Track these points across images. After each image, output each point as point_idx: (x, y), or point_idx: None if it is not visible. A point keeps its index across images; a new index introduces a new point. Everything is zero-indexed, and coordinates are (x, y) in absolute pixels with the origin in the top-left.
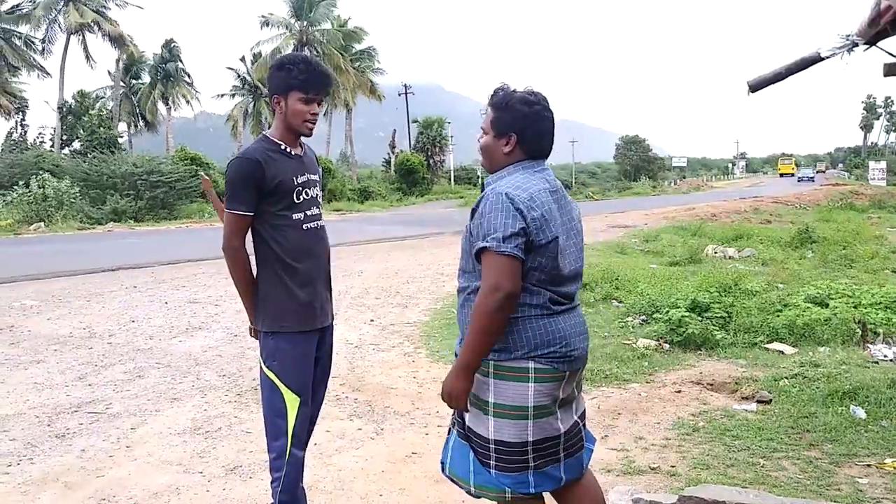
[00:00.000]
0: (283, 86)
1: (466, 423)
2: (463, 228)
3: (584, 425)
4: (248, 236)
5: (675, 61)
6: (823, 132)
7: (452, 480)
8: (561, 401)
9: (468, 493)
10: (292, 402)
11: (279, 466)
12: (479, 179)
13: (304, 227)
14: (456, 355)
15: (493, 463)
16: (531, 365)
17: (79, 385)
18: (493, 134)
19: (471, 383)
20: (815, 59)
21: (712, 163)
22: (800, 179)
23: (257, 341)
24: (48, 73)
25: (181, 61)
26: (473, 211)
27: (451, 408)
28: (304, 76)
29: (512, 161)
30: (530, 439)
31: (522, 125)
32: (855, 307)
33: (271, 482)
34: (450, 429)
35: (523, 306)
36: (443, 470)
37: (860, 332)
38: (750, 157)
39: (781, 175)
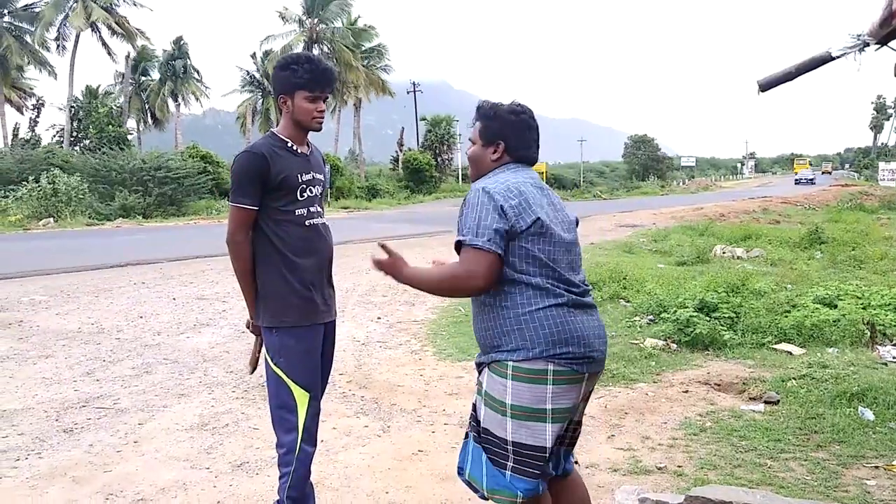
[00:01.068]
0: (289, 85)
1: (482, 423)
2: None
3: (580, 426)
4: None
5: (685, 60)
6: (833, 132)
7: (470, 485)
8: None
9: (481, 496)
10: (302, 397)
11: (288, 462)
12: None
13: (306, 223)
14: (479, 364)
15: (510, 465)
16: (550, 367)
17: (87, 380)
18: (481, 143)
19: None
20: (826, 59)
21: (721, 162)
22: (797, 181)
23: (258, 336)
24: (56, 72)
25: (189, 58)
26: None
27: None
28: (308, 75)
29: (498, 166)
30: (549, 445)
31: (510, 132)
32: (864, 308)
33: (279, 478)
34: (467, 433)
35: (533, 300)
36: (460, 474)
37: (869, 334)
38: (759, 157)
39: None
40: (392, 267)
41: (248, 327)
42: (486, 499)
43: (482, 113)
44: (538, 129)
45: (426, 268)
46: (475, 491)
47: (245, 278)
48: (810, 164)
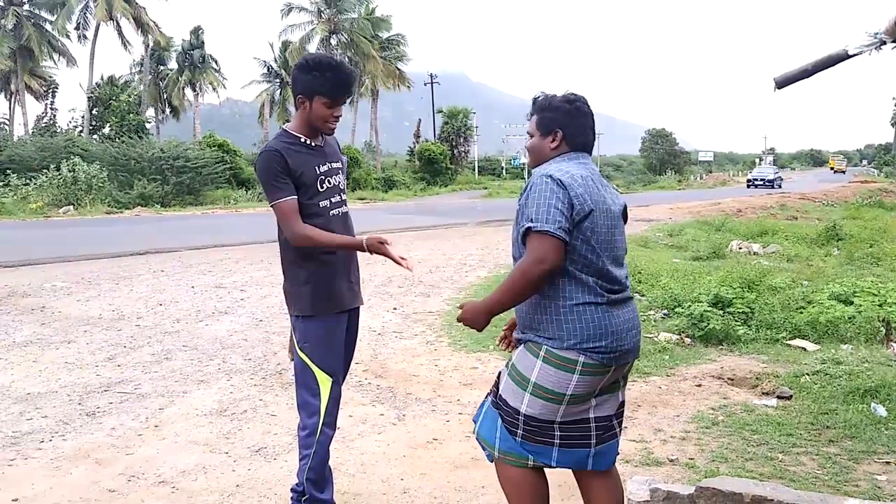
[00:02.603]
0: (309, 89)
1: (500, 392)
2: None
3: (621, 417)
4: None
5: (704, 54)
6: (853, 128)
7: (480, 443)
8: (601, 389)
9: (490, 457)
10: (325, 382)
11: (309, 444)
12: (503, 170)
13: (330, 213)
14: (517, 340)
15: (520, 433)
16: (581, 359)
17: (108, 365)
18: (539, 133)
19: (487, 323)
20: (843, 57)
21: (739, 157)
22: (750, 183)
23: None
24: (75, 60)
25: (204, 48)
26: (521, 196)
27: (463, 323)
28: (330, 84)
29: (557, 154)
30: (558, 420)
31: (566, 121)
32: (880, 305)
33: (300, 459)
34: (488, 394)
35: (574, 294)
36: (476, 431)
37: (884, 331)
38: (778, 153)
39: (832, 169)
40: (471, 313)
41: (365, 249)
42: (492, 460)
43: (538, 105)
44: (593, 115)
45: (500, 285)
46: (484, 449)
47: (331, 242)
48: (843, 159)
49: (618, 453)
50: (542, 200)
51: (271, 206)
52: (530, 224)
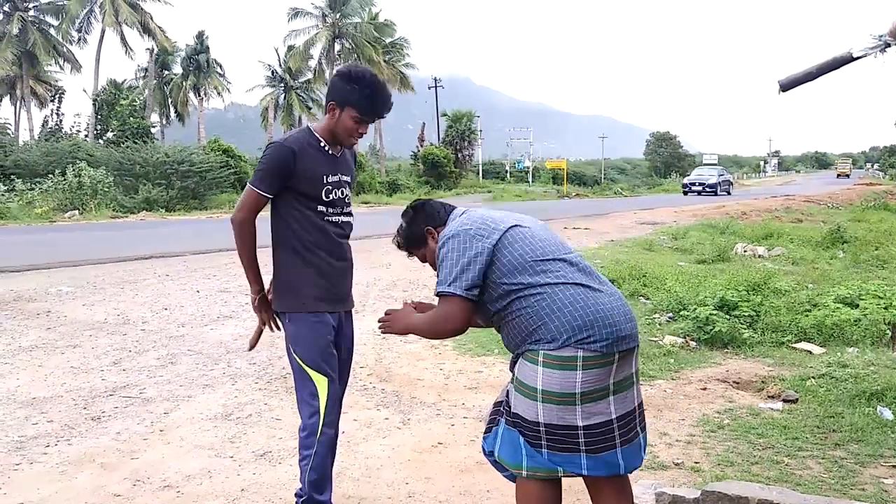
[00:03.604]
0: (343, 98)
1: (512, 409)
2: None
3: (641, 414)
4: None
5: (708, 57)
6: (859, 130)
7: (498, 465)
8: (616, 384)
9: (508, 476)
10: (320, 381)
11: (310, 444)
12: (507, 174)
13: (325, 218)
14: (513, 359)
15: (544, 444)
16: (579, 353)
17: (113, 370)
18: (423, 247)
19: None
20: (847, 60)
21: (744, 160)
22: (687, 189)
23: (261, 314)
24: (80, 66)
25: (209, 52)
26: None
27: (383, 327)
28: (365, 100)
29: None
30: (579, 423)
31: (427, 218)
32: (885, 308)
33: (300, 461)
34: (497, 420)
35: (544, 293)
36: (489, 455)
37: (890, 334)
38: (783, 156)
39: (838, 176)
40: (398, 325)
41: (253, 304)
42: (513, 480)
43: (403, 236)
44: (431, 200)
45: (421, 315)
46: (502, 471)
47: (249, 258)
48: (847, 161)
49: (644, 456)
50: (447, 263)
51: (248, 184)
52: (440, 289)
